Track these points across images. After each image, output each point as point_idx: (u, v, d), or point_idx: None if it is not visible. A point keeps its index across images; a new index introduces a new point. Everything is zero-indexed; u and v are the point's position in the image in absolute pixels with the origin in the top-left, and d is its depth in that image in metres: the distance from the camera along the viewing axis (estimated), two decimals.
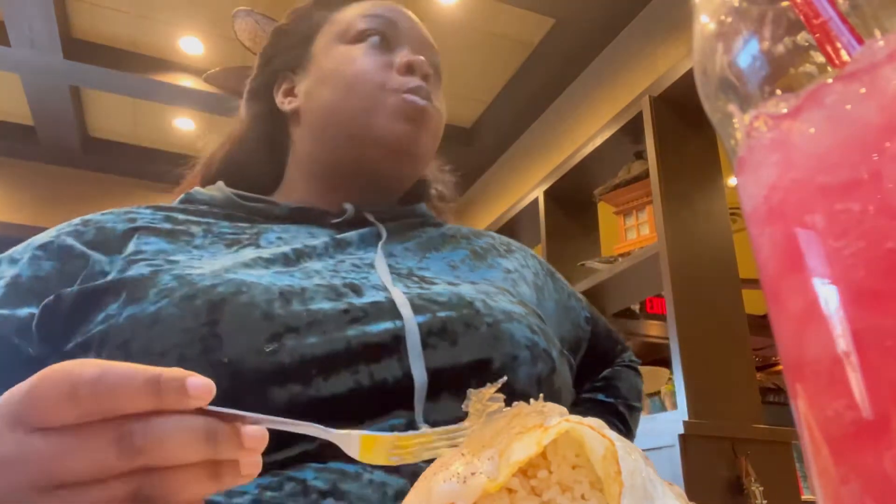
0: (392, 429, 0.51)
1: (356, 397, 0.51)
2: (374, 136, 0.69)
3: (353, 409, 0.51)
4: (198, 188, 0.73)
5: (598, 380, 0.83)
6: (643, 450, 0.29)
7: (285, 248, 0.62)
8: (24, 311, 0.56)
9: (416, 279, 0.64)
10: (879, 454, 0.19)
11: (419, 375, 0.53)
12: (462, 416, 0.32)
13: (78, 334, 0.54)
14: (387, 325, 0.55)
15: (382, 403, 0.52)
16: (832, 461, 0.21)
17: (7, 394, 0.33)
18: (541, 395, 0.58)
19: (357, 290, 0.57)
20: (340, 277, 0.59)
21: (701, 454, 1.82)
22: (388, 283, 0.60)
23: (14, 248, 0.61)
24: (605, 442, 0.28)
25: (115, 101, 3.59)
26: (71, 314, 0.55)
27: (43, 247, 0.60)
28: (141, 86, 3.30)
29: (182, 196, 0.72)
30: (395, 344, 0.54)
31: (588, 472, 0.29)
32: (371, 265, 0.64)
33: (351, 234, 0.68)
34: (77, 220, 0.64)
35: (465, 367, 0.55)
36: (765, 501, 1.75)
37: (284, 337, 0.51)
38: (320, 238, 0.66)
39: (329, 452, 0.48)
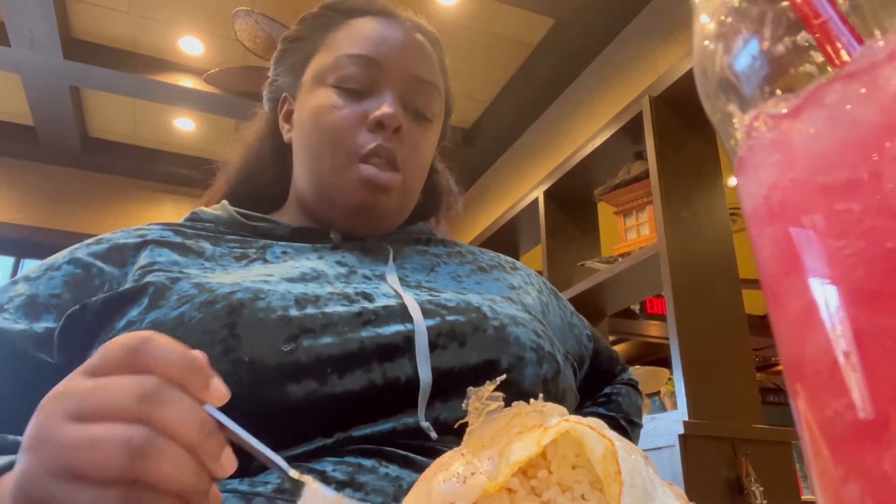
0: (406, 426, 0.53)
1: (370, 395, 0.53)
2: (335, 201, 0.72)
3: (366, 406, 0.53)
4: (203, 208, 0.76)
5: (600, 396, 0.86)
6: (643, 450, 0.29)
7: (295, 265, 0.65)
8: (40, 326, 0.57)
9: (425, 289, 0.66)
10: (879, 454, 0.19)
11: (424, 376, 0.55)
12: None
13: (100, 340, 0.57)
14: (398, 327, 0.57)
15: (395, 402, 0.54)
16: (832, 461, 0.21)
17: None
18: (547, 395, 0.59)
19: (369, 298, 0.60)
20: (353, 287, 0.62)
21: (701, 454, 1.82)
22: (398, 289, 0.63)
23: (29, 269, 0.64)
24: (605, 442, 0.28)
25: (115, 101, 3.59)
26: (93, 321, 0.58)
27: (58, 266, 0.63)
28: (141, 86, 3.30)
29: (188, 215, 0.75)
30: (406, 345, 0.56)
31: (588, 472, 0.29)
32: (381, 276, 0.66)
33: (356, 251, 0.71)
34: (90, 240, 0.67)
35: (474, 368, 0.58)
36: (765, 501, 1.75)
37: (301, 337, 0.53)
38: (325, 254, 0.69)
39: (346, 449, 0.51)
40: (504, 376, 0.34)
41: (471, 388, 0.32)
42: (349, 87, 0.73)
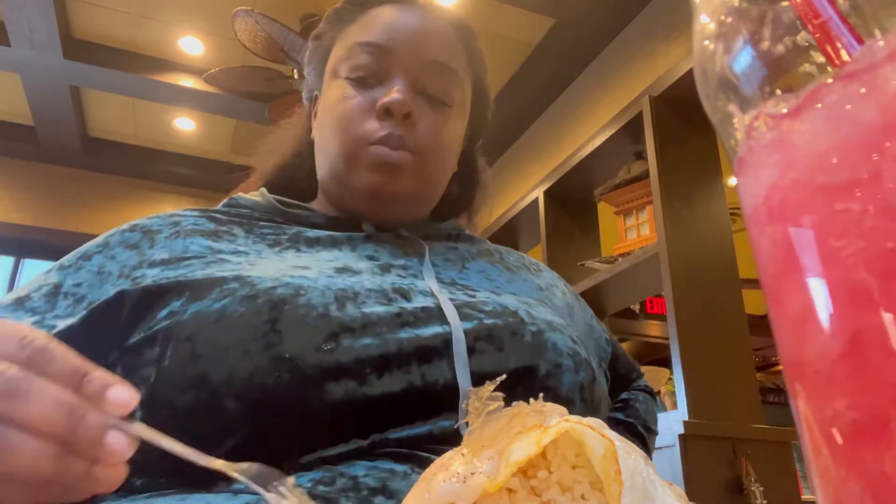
0: (442, 430, 0.52)
1: (408, 397, 0.52)
2: (350, 186, 0.71)
3: (404, 408, 0.52)
4: (241, 194, 0.76)
5: (618, 401, 0.85)
6: None
7: (329, 256, 0.65)
8: (61, 323, 0.57)
9: (459, 287, 0.66)
10: (879, 454, 0.19)
11: (463, 380, 0.54)
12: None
13: (141, 329, 0.56)
14: (436, 329, 0.57)
15: (433, 405, 0.53)
16: (832, 461, 0.21)
17: None
18: (583, 402, 0.59)
19: (405, 295, 0.59)
20: (389, 282, 0.61)
21: (701, 454, 1.82)
22: (435, 289, 0.62)
23: (66, 257, 0.63)
24: (604, 442, 0.28)
25: (115, 101, 3.59)
26: (133, 311, 0.57)
27: (88, 256, 0.62)
28: (141, 86, 3.30)
29: (225, 200, 0.75)
30: (444, 348, 0.56)
31: (588, 472, 0.29)
32: (416, 273, 0.66)
33: (387, 244, 0.71)
34: (125, 226, 0.67)
35: (512, 373, 0.56)
36: (765, 501, 1.75)
37: (341, 337, 0.53)
38: (357, 245, 0.69)
39: (380, 452, 0.50)
40: (504, 376, 0.34)
41: (470, 388, 0.32)
42: (359, 76, 0.72)
